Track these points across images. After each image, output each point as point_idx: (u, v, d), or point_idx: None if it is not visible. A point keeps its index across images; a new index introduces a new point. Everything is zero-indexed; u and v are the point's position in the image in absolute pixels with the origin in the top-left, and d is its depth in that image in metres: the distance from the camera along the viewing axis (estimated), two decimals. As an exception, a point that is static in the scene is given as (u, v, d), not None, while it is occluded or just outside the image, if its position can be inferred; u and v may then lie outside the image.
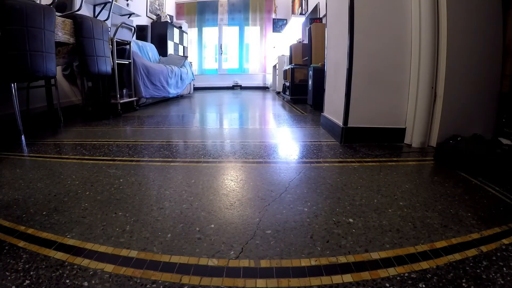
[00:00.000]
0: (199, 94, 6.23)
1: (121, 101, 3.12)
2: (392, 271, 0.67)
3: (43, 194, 1.09)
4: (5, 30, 1.76)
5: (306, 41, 4.29)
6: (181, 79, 4.74)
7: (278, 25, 7.04)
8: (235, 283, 0.64)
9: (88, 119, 2.82)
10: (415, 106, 1.70)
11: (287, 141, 1.95)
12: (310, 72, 3.58)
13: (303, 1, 5.54)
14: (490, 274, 0.65)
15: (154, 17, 5.97)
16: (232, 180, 1.24)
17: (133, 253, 0.74)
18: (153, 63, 4.18)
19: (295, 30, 5.94)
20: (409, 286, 0.62)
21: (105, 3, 3.66)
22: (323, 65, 2.82)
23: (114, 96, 3.08)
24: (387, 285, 0.63)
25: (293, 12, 6.63)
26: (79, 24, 2.44)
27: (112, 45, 2.94)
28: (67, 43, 2.44)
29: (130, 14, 4.55)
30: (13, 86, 1.91)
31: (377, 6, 1.69)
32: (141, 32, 5.32)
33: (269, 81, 7.56)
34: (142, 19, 5.44)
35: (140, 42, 4.35)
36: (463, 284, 0.62)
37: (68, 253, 0.74)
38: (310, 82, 3.63)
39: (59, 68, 3.04)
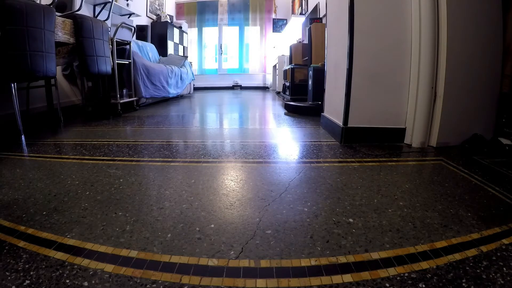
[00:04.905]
0: (199, 94, 6.23)
1: (121, 101, 3.12)
2: (392, 271, 0.67)
3: (43, 194, 1.09)
4: (5, 30, 1.76)
5: (306, 41, 4.28)
6: (181, 79, 4.74)
7: (278, 25, 7.04)
8: (235, 283, 0.64)
9: (88, 119, 2.82)
10: (415, 106, 1.70)
11: (287, 141, 1.95)
12: (310, 72, 3.58)
13: (303, 1, 5.54)
14: (490, 274, 0.65)
15: (154, 17, 5.96)
16: (232, 180, 1.24)
17: (133, 253, 0.74)
18: (153, 63, 4.18)
19: (295, 30, 5.93)
20: (409, 286, 0.62)
21: (105, 3, 3.66)
22: (323, 65, 2.82)
23: (114, 96, 3.08)
24: (387, 285, 0.63)
25: (293, 12, 6.63)
26: (79, 24, 2.44)
27: (112, 45, 2.94)
28: (67, 43, 2.44)
29: (130, 14, 4.55)
30: (13, 86, 1.91)
31: (377, 6, 1.69)
32: (141, 32, 5.32)
33: (269, 81, 7.55)
34: (142, 19, 5.44)
35: (140, 42, 4.35)
36: (463, 284, 0.62)
37: (68, 253, 0.74)
38: (310, 82, 3.63)
39: (59, 68, 3.04)
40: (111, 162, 1.48)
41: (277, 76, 6.19)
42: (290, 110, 3.16)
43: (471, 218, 0.90)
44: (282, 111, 3.44)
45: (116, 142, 1.89)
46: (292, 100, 4.32)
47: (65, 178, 1.25)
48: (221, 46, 7.67)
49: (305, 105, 3.12)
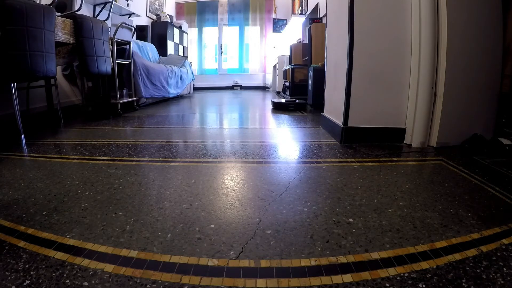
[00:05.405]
0: (199, 94, 6.23)
1: (121, 101, 3.12)
2: (392, 271, 0.67)
3: (43, 194, 1.09)
4: (5, 30, 1.76)
5: (306, 41, 4.29)
6: (181, 79, 4.74)
7: (278, 25, 7.04)
8: (235, 283, 0.64)
9: (88, 119, 2.82)
10: (415, 106, 1.70)
11: (287, 141, 1.95)
12: (310, 72, 3.58)
13: (303, 1, 5.54)
14: (490, 274, 0.65)
15: (154, 17, 5.96)
16: (232, 180, 1.24)
17: (133, 253, 0.74)
18: (153, 63, 4.18)
19: (295, 30, 5.94)
20: (409, 286, 0.62)
21: (105, 3, 3.66)
22: (323, 65, 2.82)
23: (114, 96, 3.08)
24: (387, 285, 0.63)
25: (293, 12, 6.63)
26: (79, 24, 2.44)
27: (112, 45, 2.94)
28: (67, 43, 2.44)
29: (130, 14, 4.55)
30: (13, 86, 1.91)
31: (377, 6, 1.69)
32: (141, 32, 5.32)
33: (269, 81, 7.56)
34: (142, 19, 5.44)
35: (140, 42, 4.35)
36: (463, 284, 0.62)
37: (68, 253, 0.74)
38: (310, 82, 3.63)
39: (59, 68, 3.04)
40: (111, 162, 1.48)
41: (277, 76, 6.20)
42: (274, 107, 3.72)
43: (471, 218, 0.90)
44: (279, 110, 3.54)
45: (116, 142, 1.89)
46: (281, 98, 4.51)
47: (65, 178, 1.25)
48: (221, 46, 7.67)
49: (283, 102, 3.75)
